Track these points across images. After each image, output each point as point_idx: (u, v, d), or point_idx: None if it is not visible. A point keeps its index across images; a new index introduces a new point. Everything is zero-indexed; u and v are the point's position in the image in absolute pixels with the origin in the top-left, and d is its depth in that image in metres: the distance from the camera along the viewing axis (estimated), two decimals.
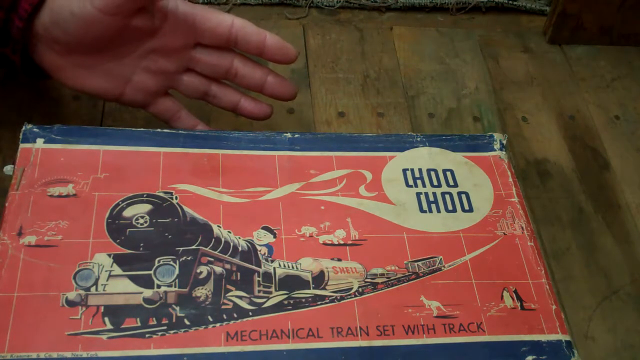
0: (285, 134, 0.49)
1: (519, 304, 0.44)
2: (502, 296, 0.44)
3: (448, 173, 0.49)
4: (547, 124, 0.62)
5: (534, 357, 0.41)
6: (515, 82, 0.65)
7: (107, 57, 0.47)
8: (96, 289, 0.40)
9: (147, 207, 0.43)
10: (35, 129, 0.45)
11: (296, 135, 0.49)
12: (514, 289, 0.44)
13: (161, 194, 0.44)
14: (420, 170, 0.49)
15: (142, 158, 0.46)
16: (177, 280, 0.41)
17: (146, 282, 0.40)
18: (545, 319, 0.43)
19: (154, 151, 0.46)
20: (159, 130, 0.47)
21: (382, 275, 0.43)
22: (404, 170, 0.49)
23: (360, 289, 0.43)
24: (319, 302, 0.42)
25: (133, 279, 0.40)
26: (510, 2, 0.71)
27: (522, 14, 0.72)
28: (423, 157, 0.50)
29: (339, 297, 0.42)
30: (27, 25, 0.45)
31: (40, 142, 0.45)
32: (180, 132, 0.47)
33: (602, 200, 0.57)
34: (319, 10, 0.68)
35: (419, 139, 0.51)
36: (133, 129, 0.47)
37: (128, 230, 0.42)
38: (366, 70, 0.63)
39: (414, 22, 0.69)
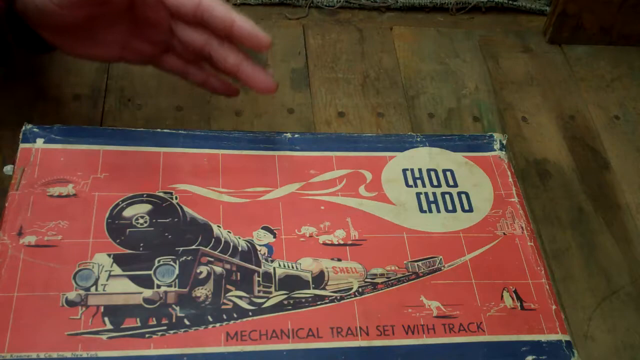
0: (285, 134, 0.49)
1: (518, 304, 0.44)
2: (502, 296, 0.44)
3: (448, 173, 0.49)
4: (547, 124, 0.62)
5: (533, 357, 0.41)
6: (515, 82, 0.65)
7: (94, 32, 0.46)
8: (96, 289, 0.40)
9: (147, 207, 0.43)
10: (35, 129, 0.45)
11: (296, 135, 0.49)
12: (513, 289, 0.44)
13: (161, 194, 0.44)
14: (420, 170, 0.49)
15: (142, 158, 0.45)
16: (177, 280, 0.41)
17: (146, 282, 0.40)
18: (545, 319, 0.43)
19: (154, 151, 0.46)
20: (158, 130, 0.47)
21: (382, 275, 0.43)
22: (404, 171, 0.49)
23: (360, 289, 0.43)
24: (318, 302, 0.42)
25: (133, 279, 0.40)
26: (510, 2, 0.71)
27: (522, 14, 0.72)
28: (423, 157, 0.50)
29: (338, 297, 0.42)
30: (9, 6, 0.44)
31: (40, 142, 0.44)
32: (180, 132, 0.47)
33: (602, 200, 0.57)
34: (319, 10, 0.68)
35: (418, 139, 0.51)
36: (133, 129, 0.47)
37: (128, 230, 0.42)
38: (366, 70, 0.63)
39: (414, 22, 0.69)
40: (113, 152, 0.45)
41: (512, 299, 0.44)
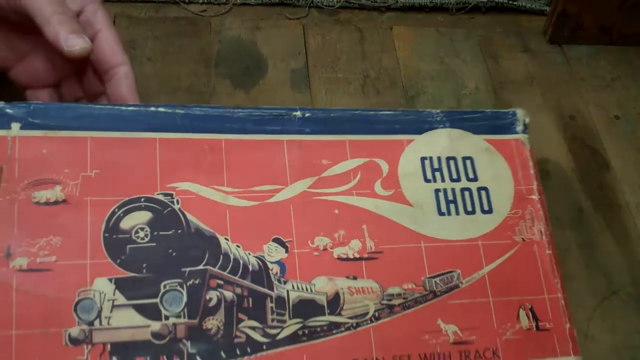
0: (294, 113, 0.45)
1: (534, 324, 0.43)
2: (518, 315, 0.43)
3: (468, 162, 0.47)
4: (547, 124, 0.62)
5: None
6: (515, 82, 0.65)
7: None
8: (100, 323, 0.36)
9: (147, 215, 0.39)
10: (8, 110, 0.39)
11: (307, 114, 0.45)
12: (530, 306, 0.43)
13: (161, 198, 0.40)
14: (439, 159, 0.46)
15: (136, 148, 0.41)
16: (185, 310, 0.38)
17: (153, 313, 0.37)
18: (559, 340, 0.43)
19: (149, 137, 0.41)
20: (152, 109, 0.42)
21: (398, 295, 0.42)
22: (422, 160, 0.46)
23: (376, 313, 0.41)
24: (334, 331, 0.40)
25: (138, 309, 0.37)
26: (510, 2, 0.71)
27: (522, 13, 0.72)
28: (442, 141, 0.47)
29: (354, 324, 0.40)
30: None
31: (16, 127, 0.39)
32: (177, 111, 0.42)
33: (602, 200, 0.57)
34: (319, 10, 0.68)
35: (438, 118, 0.47)
36: (122, 107, 0.42)
37: (128, 247, 0.38)
38: (366, 70, 0.63)
39: (414, 22, 0.69)
40: (102, 140, 0.40)
41: (528, 318, 0.43)
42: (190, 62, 0.60)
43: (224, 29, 0.63)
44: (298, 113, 0.45)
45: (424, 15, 0.70)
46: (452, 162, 0.46)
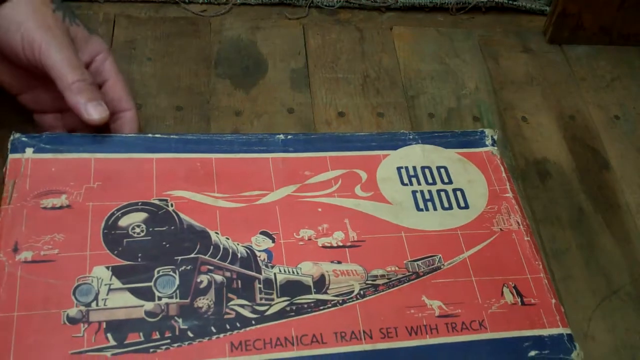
0: (278, 136, 0.49)
1: (519, 300, 0.44)
2: (502, 292, 0.44)
3: (442, 170, 0.50)
4: (547, 124, 0.62)
5: (536, 352, 0.42)
6: (515, 82, 0.65)
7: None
8: (97, 304, 0.39)
9: (143, 215, 0.42)
10: (23, 138, 0.44)
11: (289, 137, 0.49)
12: (513, 285, 0.44)
13: (156, 202, 0.43)
14: (414, 168, 0.49)
15: (135, 165, 0.45)
16: (177, 291, 0.40)
17: (147, 295, 0.40)
18: (546, 313, 0.43)
19: (146, 157, 0.45)
20: (149, 135, 0.46)
21: (382, 276, 0.43)
22: (399, 169, 0.49)
23: (361, 292, 0.42)
24: (321, 307, 0.41)
25: (133, 291, 0.40)
26: (510, 2, 0.71)
27: (522, 14, 0.72)
28: (416, 154, 0.50)
29: (340, 301, 0.42)
30: None
31: (29, 152, 0.43)
32: (172, 136, 0.47)
33: (602, 200, 0.57)
34: (319, 10, 0.68)
35: (411, 137, 0.51)
36: (124, 135, 0.46)
37: (125, 240, 0.41)
38: (366, 70, 0.63)
39: (414, 22, 0.69)
40: (105, 160, 0.44)
41: (512, 294, 0.44)
42: (190, 62, 0.60)
43: (224, 29, 0.63)
44: (281, 136, 0.49)
45: (424, 15, 0.70)
46: (427, 170, 0.49)
